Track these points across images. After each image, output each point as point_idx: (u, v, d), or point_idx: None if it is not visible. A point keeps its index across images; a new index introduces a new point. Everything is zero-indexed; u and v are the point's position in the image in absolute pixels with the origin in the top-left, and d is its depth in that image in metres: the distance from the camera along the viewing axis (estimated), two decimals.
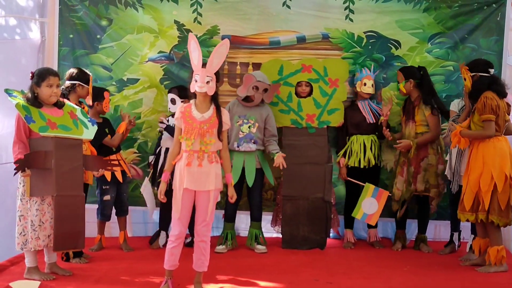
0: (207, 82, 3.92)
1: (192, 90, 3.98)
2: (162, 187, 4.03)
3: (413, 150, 5.33)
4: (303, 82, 5.69)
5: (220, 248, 5.35)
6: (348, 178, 5.60)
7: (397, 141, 5.46)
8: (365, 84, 5.61)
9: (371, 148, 5.58)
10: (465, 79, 4.85)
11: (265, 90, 5.41)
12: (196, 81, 3.93)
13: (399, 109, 5.72)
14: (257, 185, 5.42)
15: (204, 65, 3.94)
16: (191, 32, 5.74)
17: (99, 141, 5.15)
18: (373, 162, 5.57)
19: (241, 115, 5.39)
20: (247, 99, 5.43)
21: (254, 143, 5.36)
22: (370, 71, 5.66)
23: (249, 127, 5.35)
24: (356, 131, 5.63)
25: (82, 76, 4.92)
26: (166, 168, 4.07)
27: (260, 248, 5.37)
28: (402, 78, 5.47)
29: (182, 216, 3.96)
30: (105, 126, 5.34)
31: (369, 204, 5.44)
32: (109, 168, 4.76)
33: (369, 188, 5.46)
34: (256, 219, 5.51)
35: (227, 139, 4.22)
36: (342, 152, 5.67)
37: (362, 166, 5.55)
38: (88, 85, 4.92)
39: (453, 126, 4.98)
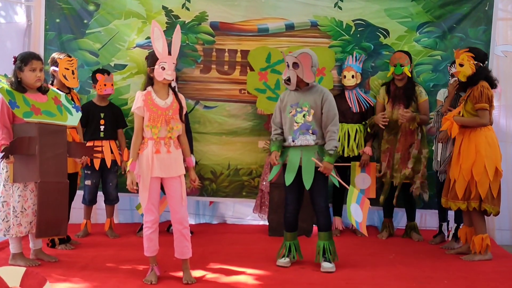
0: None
1: (160, 79, 3.93)
2: (133, 177, 3.95)
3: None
4: None
5: (283, 261, 4.54)
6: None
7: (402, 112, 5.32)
8: (344, 77, 5.61)
9: (355, 137, 5.59)
10: (462, 65, 4.73)
11: (295, 64, 4.44)
12: (164, 68, 3.91)
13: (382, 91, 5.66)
14: (319, 188, 4.49)
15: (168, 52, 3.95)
16: (179, 18, 5.75)
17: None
18: (356, 152, 5.58)
19: (293, 104, 4.50)
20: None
21: (312, 133, 4.46)
22: (353, 60, 5.63)
23: (303, 115, 4.45)
24: (342, 119, 5.59)
25: (53, 60, 4.90)
26: (133, 158, 3.96)
27: (327, 266, 4.38)
28: (409, 61, 5.43)
29: (153, 201, 3.96)
30: (103, 111, 5.35)
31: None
32: (93, 155, 4.72)
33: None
34: (322, 229, 4.52)
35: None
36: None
37: (346, 155, 5.56)
38: (58, 68, 4.84)
39: (449, 111, 4.95)
